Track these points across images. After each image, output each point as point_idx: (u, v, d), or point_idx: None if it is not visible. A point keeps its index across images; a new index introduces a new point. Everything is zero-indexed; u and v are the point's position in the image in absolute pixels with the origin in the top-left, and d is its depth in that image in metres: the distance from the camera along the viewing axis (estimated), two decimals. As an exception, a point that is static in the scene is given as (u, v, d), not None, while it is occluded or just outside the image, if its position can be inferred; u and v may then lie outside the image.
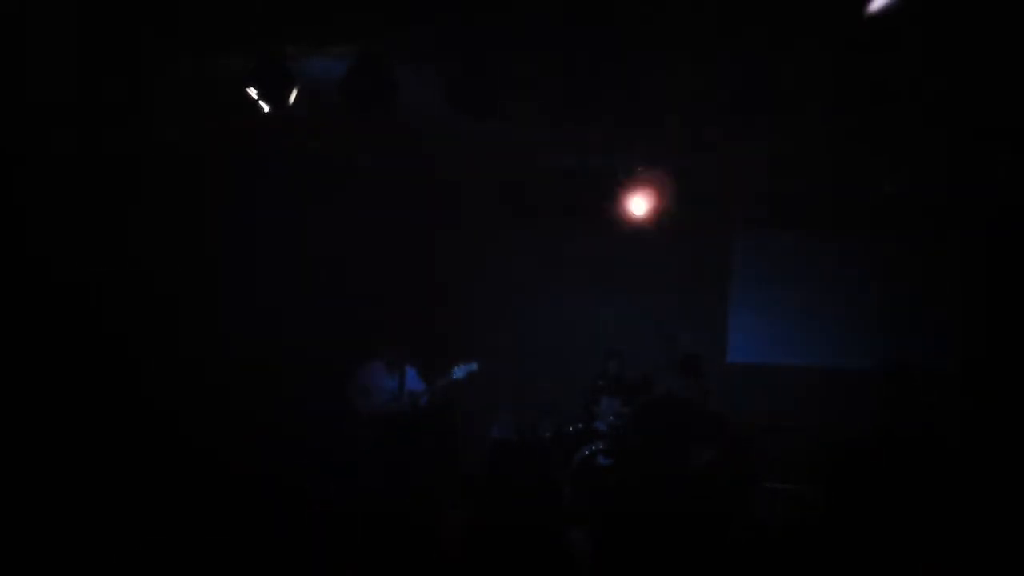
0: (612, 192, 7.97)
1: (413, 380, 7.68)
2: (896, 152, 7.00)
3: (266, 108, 5.26)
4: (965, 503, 3.97)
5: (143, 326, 7.68)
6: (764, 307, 9.51)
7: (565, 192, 8.52)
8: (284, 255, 8.89)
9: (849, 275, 9.39)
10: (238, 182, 8.25)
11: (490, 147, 7.29)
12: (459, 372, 7.50)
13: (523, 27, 4.87)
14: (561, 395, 8.09)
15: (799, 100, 5.55)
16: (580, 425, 8.06)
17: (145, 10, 4.88)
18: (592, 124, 5.24)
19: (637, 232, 8.42)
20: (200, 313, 8.22)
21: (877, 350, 9.01)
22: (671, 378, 6.89)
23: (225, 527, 3.58)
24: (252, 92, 5.22)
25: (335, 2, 4.73)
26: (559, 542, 4.11)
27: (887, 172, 8.01)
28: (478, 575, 4.05)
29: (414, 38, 5.07)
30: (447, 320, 8.95)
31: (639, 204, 7.89)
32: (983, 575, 3.40)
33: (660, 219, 8.12)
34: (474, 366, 7.53)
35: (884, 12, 4.31)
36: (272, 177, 8.44)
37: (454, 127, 5.48)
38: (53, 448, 5.47)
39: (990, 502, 3.67)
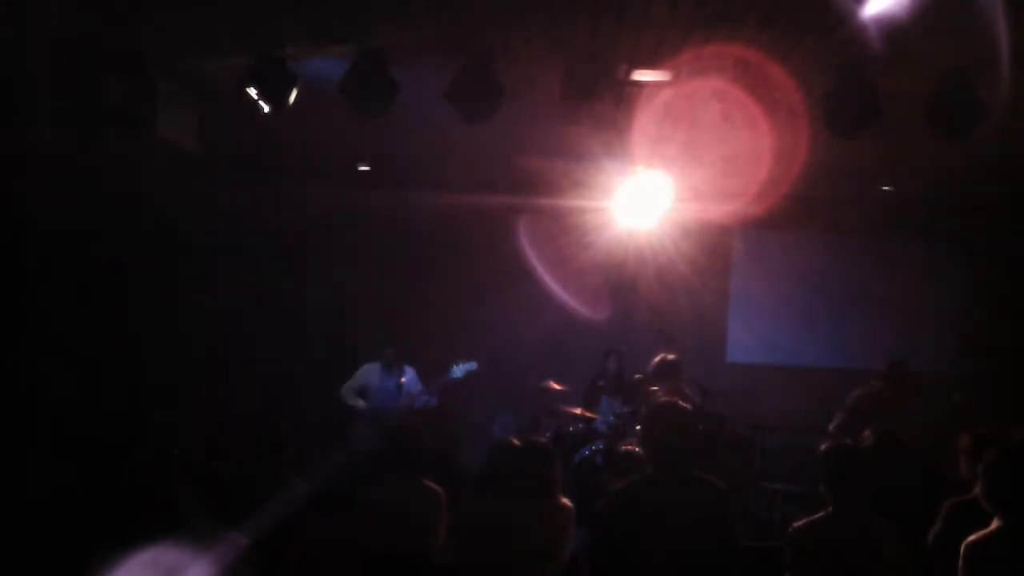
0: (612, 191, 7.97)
1: (412, 381, 7.66)
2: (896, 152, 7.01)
3: (266, 108, 5.25)
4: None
5: (140, 328, 7.68)
6: (764, 307, 9.51)
7: (563, 192, 8.53)
8: (279, 257, 8.90)
9: (849, 275, 9.39)
10: (233, 183, 8.26)
11: (489, 144, 7.28)
12: (458, 372, 7.48)
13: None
14: (560, 395, 8.07)
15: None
16: (580, 425, 8.05)
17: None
18: None
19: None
20: (196, 316, 8.22)
21: (877, 350, 9.03)
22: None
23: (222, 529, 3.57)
24: (252, 92, 5.21)
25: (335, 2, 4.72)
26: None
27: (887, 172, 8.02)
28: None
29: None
30: (445, 320, 8.95)
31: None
32: None
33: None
34: (473, 365, 7.51)
35: (884, 18, 4.31)
36: (266, 177, 8.45)
37: (453, 127, 5.47)
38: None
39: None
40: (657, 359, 7.08)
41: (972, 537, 3.34)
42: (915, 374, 6.93)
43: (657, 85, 5.63)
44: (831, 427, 6.47)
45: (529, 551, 3.95)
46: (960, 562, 3.32)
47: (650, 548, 3.56)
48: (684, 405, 3.85)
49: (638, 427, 6.19)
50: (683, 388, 6.93)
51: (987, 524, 3.42)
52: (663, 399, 4.61)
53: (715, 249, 9.38)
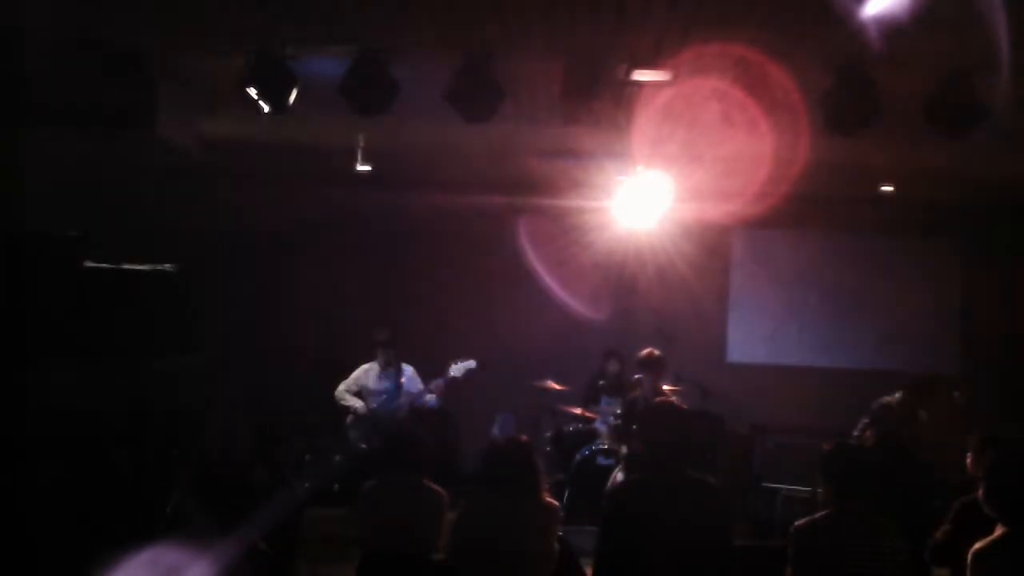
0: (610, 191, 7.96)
1: (411, 380, 7.64)
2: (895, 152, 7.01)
3: (266, 108, 5.25)
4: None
5: (140, 327, 7.66)
6: (764, 307, 9.51)
7: (563, 192, 8.52)
8: (279, 257, 8.89)
9: (849, 275, 9.40)
10: (233, 183, 8.24)
11: (489, 144, 7.29)
12: (456, 370, 7.44)
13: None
14: (560, 395, 8.07)
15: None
16: (580, 425, 8.05)
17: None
18: None
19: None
20: (195, 315, 8.19)
21: (877, 350, 9.04)
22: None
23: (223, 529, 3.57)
24: (252, 92, 5.21)
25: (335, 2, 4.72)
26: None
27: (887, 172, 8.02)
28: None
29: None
30: (445, 319, 8.94)
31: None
32: None
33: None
34: (472, 364, 7.47)
35: (884, 17, 4.31)
36: (266, 177, 8.43)
37: (452, 127, 5.48)
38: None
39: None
40: (644, 352, 7.12)
41: (978, 544, 3.33)
42: (940, 385, 6.87)
43: (657, 85, 5.63)
44: (855, 432, 6.49)
45: (519, 549, 3.94)
46: (967, 571, 3.31)
47: (648, 548, 3.56)
48: (682, 405, 3.85)
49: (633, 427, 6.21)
50: (663, 384, 7.03)
51: (995, 524, 3.40)
52: (659, 399, 4.61)
53: (715, 249, 9.38)
